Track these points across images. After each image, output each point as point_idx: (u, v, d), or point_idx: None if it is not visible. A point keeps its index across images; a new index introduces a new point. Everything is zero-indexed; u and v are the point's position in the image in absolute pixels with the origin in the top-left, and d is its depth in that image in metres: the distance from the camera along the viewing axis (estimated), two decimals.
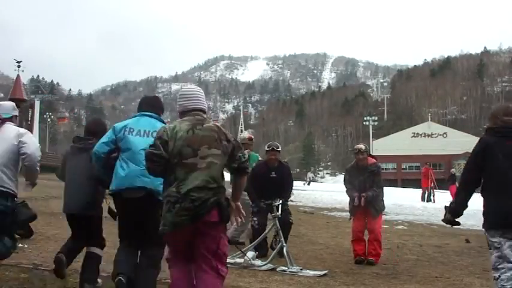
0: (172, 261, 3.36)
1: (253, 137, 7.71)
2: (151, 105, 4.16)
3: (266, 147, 6.76)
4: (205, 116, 3.40)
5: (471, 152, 3.86)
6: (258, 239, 6.13)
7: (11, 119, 4.29)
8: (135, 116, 4.04)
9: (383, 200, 6.60)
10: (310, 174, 75.43)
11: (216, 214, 3.12)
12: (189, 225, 3.08)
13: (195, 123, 3.27)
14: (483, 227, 3.77)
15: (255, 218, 6.44)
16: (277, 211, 6.10)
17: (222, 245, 3.20)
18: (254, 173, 6.62)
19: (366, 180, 6.40)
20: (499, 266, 3.50)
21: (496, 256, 3.52)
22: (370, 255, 6.26)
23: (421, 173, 25.09)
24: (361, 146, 6.62)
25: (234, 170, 3.33)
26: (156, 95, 5.52)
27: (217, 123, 3.47)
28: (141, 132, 3.87)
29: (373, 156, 6.79)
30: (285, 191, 6.59)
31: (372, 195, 6.28)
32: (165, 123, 3.88)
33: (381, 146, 70.77)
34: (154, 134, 3.56)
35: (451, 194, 20.04)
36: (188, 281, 3.24)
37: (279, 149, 6.71)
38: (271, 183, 6.42)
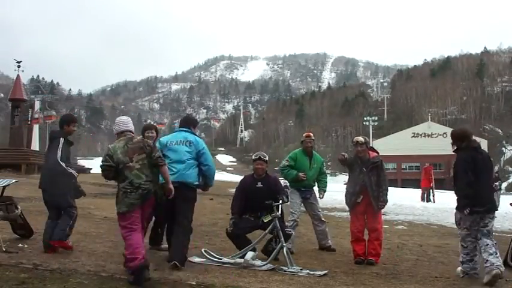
0: (130, 228, 4.83)
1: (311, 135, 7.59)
2: (185, 122, 6.04)
3: (253, 156, 6.68)
4: (132, 134, 5.20)
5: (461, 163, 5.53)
6: (257, 240, 6.11)
7: None
8: (175, 132, 6.00)
9: (387, 195, 6.43)
10: None
11: (153, 198, 5.00)
12: (139, 206, 4.85)
13: (127, 141, 5.06)
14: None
15: (231, 222, 6.25)
16: (277, 211, 6.08)
17: (152, 215, 5.71)
18: (240, 184, 6.63)
19: (371, 174, 6.19)
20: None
21: None
22: (370, 255, 6.18)
23: (421, 172, 24.70)
24: (360, 138, 6.38)
25: (154, 164, 4.98)
26: (188, 113, 6.61)
27: (141, 138, 5.28)
28: (179, 142, 5.75)
29: (374, 150, 6.58)
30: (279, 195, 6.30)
31: (386, 202, 6.24)
32: (195, 134, 5.89)
33: (381, 146, 70.41)
34: (186, 143, 5.69)
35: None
36: (140, 239, 4.87)
37: (266, 158, 6.60)
38: (258, 194, 6.26)
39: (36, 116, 28.28)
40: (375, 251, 6.20)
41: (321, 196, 7.49)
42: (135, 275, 4.55)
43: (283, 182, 7.16)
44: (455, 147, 5.77)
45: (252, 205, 6.32)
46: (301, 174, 7.17)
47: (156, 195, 4.99)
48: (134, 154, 4.92)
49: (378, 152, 6.58)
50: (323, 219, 7.42)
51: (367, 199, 6.20)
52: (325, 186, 7.56)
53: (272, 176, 6.67)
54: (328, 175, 8.61)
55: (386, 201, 6.28)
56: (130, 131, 5.21)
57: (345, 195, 6.51)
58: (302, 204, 7.35)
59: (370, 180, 6.20)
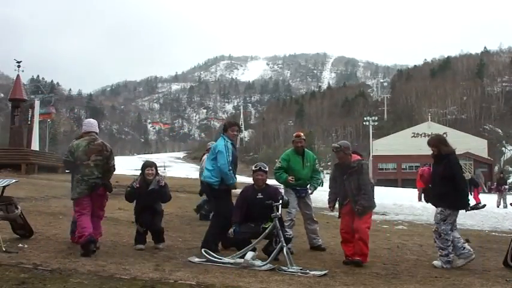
0: (80, 212, 5.87)
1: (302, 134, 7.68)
2: (222, 128, 6.99)
3: (253, 167, 6.66)
4: (97, 136, 6.13)
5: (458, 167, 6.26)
6: (257, 240, 6.12)
7: None
8: None
9: (373, 198, 6.44)
10: None
11: (103, 189, 6.05)
12: (88, 194, 5.87)
13: (90, 141, 6.01)
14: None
15: (231, 231, 6.31)
16: (277, 211, 6.08)
17: (104, 204, 6.25)
18: (241, 195, 6.63)
19: (350, 179, 6.20)
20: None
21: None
22: (356, 255, 6.14)
23: (417, 173, 24.98)
24: (335, 144, 6.39)
25: (107, 169, 6.04)
26: (233, 121, 7.29)
27: (102, 142, 6.11)
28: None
29: (357, 153, 6.58)
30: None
31: (364, 206, 6.13)
32: (224, 138, 6.69)
33: (381, 146, 70.87)
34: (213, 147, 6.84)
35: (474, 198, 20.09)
36: (89, 221, 5.83)
37: (267, 169, 6.58)
38: (258, 204, 6.29)
39: (48, 111, 28.06)
40: (361, 251, 6.14)
41: (310, 192, 7.48)
42: (84, 249, 5.62)
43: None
44: (435, 153, 6.34)
45: (252, 215, 6.36)
46: (289, 178, 7.21)
47: (107, 188, 6.09)
48: (92, 154, 5.94)
49: (361, 156, 6.61)
50: (315, 219, 7.43)
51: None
52: (317, 183, 7.53)
53: (272, 187, 6.68)
54: (328, 175, 8.61)
55: (363, 206, 6.13)
56: (96, 133, 6.20)
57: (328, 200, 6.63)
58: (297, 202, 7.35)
59: (350, 185, 6.20)
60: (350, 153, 6.37)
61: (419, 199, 20.89)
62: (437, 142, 6.37)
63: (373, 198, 6.44)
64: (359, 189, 6.17)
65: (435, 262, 6.26)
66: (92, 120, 6.52)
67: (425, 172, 6.68)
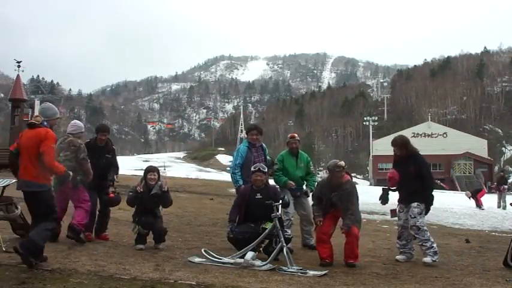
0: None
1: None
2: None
3: (252, 168, 6.67)
4: (70, 136, 6.70)
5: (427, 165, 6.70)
6: (257, 240, 6.12)
7: None
8: None
9: (359, 213, 6.44)
10: None
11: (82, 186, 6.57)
12: (59, 187, 6.26)
13: (62, 140, 6.62)
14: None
15: (229, 230, 6.35)
16: (277, 211, 6.09)
17: (81, 196, 6.61)
18: (239, 195, 6.64)
19: (341, 198, 6.18)
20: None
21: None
22: (348, 258, 6.09)
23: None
24: (342, 163, 6.35)
25: (79, 162, 6.50)
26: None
27: (72, 140, 6.65)
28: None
29: (347, 173, 6.51)
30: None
31: (349, 226, 6.05)
32: (245, 142, 7.37)
33: (381, 146, 70.65)
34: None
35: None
36: (61, 212, 6.21)
37: (265, 170, 6.61)
38: (257, 205, 6.31)
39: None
40: (353, 253, 6.09)
41: (307, 194, 7.51)
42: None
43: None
44: (400, 152, 6.63)
45: (252, 216, 6.37)
46: (290, 182, 7.31)
47: (82, 183, 6.58)
48: (62, 151, 6.48)
49: (350, 176, 6.60)
50: (312, 220, 7.41)
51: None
52: (313, 186, 7.56)
53: (271, 187, 6.69)
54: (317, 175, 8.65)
55: (348, 226, 6.07)
56: (69, 134, 6.78)
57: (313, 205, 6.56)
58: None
59: (341, 201, 6.19)
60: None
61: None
62: (404, 142, 6.68)
63: (359, 213, 6.43)
64: (347, 209, 6.17)
65: (425, 259, 6.34)
66: (73, 122, 7.15)
67: (395, 174, 6.67)
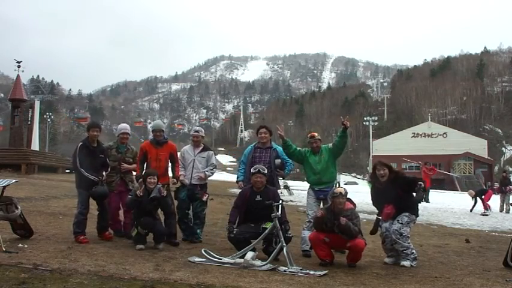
0: None
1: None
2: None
3: (252, 169, 6.65)
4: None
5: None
6: (257, 240, 6.12)
7: None
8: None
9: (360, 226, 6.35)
10: None
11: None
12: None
13: None
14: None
15: (233, 229, 6.32)
16: (277, 211, 6.08)
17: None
18: (239, 197, 6.62)
19: (342, 232, 6.04)
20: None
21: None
22: (351, 261, 6.10)
23: (422, 172, 24.02)
24: (341, 190, 6.28)
25: None
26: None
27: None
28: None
29: (350, 201, 6.39)
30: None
31: (348, 226, 5.99)
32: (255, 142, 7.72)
33: (381, 146, 70.72)
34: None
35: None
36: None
37: (265, 171, 6.58)
38: (257, 206, 6.31)
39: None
40: (356, 260, 6.10)
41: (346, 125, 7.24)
42: None
43: (282, 182, 7.21)
44: (390, 175, 6.55)
45: (252, 217, 6.38)
46: (278, 130, 7.24)
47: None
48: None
49: (354, 205, 6.43)
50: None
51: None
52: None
53: (272, 189, 6.67)
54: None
55: (345, 222, 5.99)
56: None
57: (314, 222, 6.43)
58: (319, 205, 7.12)
59: (341, 233, 6.06)
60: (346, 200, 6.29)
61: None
62: (386, 164, 6.66)
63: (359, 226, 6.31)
64: (347, 234, 6.05)
65: (404, 262, 6.23)
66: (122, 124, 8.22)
67: (392, 212, 6.41)
